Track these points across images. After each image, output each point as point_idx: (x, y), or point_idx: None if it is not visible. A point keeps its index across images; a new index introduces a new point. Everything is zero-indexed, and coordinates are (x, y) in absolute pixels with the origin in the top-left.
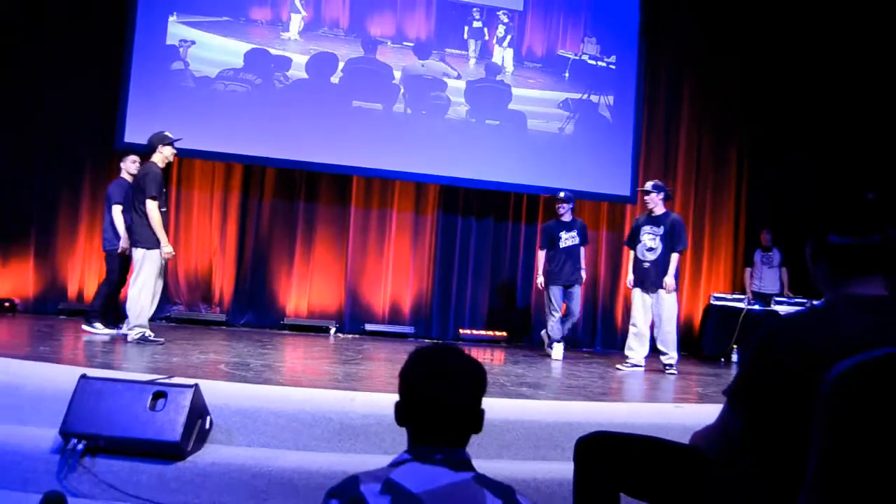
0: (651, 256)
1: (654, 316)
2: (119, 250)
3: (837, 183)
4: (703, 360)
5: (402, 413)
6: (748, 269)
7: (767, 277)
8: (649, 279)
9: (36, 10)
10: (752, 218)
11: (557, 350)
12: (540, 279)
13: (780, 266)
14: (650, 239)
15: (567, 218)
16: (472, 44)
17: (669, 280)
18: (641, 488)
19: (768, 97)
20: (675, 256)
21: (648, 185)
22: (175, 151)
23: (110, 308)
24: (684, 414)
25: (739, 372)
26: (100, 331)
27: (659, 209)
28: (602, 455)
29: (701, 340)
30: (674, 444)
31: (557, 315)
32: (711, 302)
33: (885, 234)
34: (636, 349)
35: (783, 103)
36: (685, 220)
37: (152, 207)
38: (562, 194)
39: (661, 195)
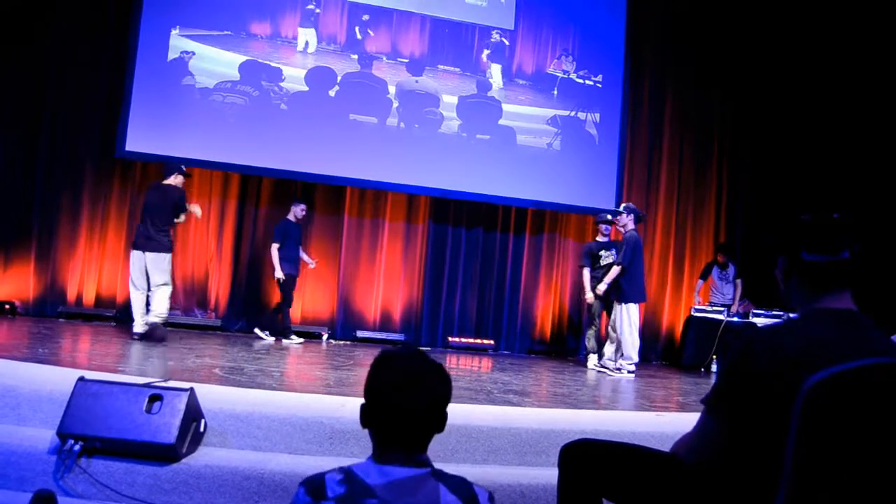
0: None
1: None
2: (275, 278)
3: (807, 201)
4: (684, 370)
5: (367, 416)
6: (700, 282)
7: (727, 291)
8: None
9: (41, 14)
10: (731, 232)
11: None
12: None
13: (734, 279)
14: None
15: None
16: (464, 61)
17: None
18: (623, 495)
19: (748, 116)
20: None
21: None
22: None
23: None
24: (665, 422)
25: (717, 381)
26: (294, 341)
27: (628, 229)
28: (585, 462)
29: (682, 351)
30: (655, 451)
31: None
32: (692, 313)
33: (854, 251)
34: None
35: (763, 122)
36: (667, 234)
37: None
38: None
39: (632, 216)
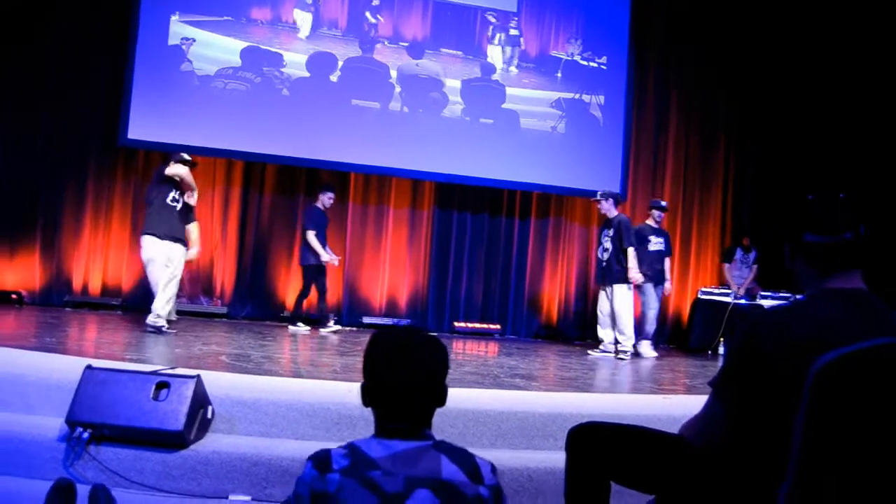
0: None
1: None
2: (325, 262)
3: (811, 183)
4: (691, 353)
5: (367, 395)
6: (726, 265)
7: (744, 274)
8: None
9: (41, 14)
10: (737, 215)
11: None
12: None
13: (754, 263)
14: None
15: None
16: (467, 44)
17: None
18: (631, 477)
19: (754, 99)
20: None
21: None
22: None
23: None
24: (672, 405)
25: (724, 363)
26: (301, 329)
27: (611, 214)
28: (593, 445)
29: (689, 333)
30: (662, 433)
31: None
32: (699, 296)
33: (857, 231)
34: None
35: (768, 105)
36: (674, 217)
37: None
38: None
39: (611, 201)
